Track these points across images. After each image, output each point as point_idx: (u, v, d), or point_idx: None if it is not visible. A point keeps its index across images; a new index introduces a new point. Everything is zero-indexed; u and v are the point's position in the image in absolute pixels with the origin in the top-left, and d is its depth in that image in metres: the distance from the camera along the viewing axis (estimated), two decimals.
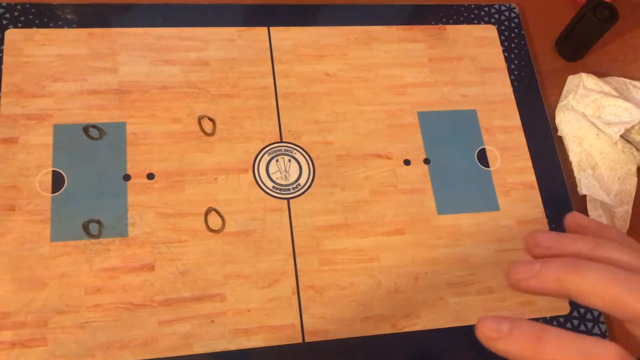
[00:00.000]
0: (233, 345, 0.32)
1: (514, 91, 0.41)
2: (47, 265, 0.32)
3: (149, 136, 0.36)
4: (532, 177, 0.39)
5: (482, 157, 0.39)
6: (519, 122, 0.40)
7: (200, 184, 0.35)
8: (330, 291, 0.34)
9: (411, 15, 0.43)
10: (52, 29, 0.37)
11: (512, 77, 0.42)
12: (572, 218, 0.30)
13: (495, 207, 0.37)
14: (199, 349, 0.31)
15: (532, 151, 0.39)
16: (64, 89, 0.36)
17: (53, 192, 0.34)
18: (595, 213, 0.39)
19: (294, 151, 0.37)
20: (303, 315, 0.33)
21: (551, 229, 0.37)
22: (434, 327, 0.34)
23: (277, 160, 0.36)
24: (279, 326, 0.33)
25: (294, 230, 0.35)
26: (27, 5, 0.38)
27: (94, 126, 0.35)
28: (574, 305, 0.35)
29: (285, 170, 0.36)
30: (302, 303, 0.33)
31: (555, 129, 0.41)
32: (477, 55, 0.42)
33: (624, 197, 0.38)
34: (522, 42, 0.43)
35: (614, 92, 0.40)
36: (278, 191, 0.36)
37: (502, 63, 0.42)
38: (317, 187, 0.36)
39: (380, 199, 0.37)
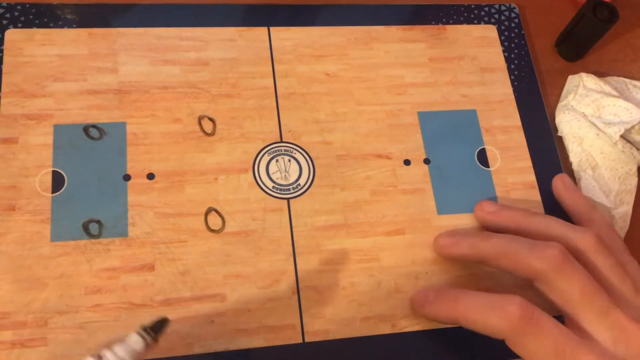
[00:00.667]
0: (233, 346, 0.32)
1: (514, 91, 0.41)
2: (47, 265, 0.32)
3: (149, 136, 0.36)
4: (532, 177, 0.39)
5: (482, 157, 0.39)
6: (519, 122, 0.40)
7: (200, 184, 0.35)
8: (330, 291, 0.34)
9: (411, 15, 0.43)
10: (52, 29, 0.37)
11: (512, 77, 0.42)
12: (560, 178, 0.37)
13: None
14: (199, 349, 0.31)
15: (532, 151, 0.39)
16: (64, 89, 0.36)
17: (53, 192, 0.34)
18: None
19: (294, 151, 0.37)
20: (303, 315, 0.33)
21: None
22: (434, 327, 0.34)
23: (277, 160, 0.36)
24: (279, 326, 0.33)
25: (294, 230, 0.35)
26: (27, 5, 0.38)
27: (94, 126, 0.36)
28: None
29: (285, 170, 0.36)
30: (302, 303, 0.33)
31: (556, 129, 0.41)
32: (477, 55, 0.42)
33: (624, 197, 0.38)
34: (522, 42, 0.43)
35: (614, 92, 0.41)
36: (278, 191, 0.36)
37: (502, 63, 0.42)
38: (317, 187, 0.36)
39: (380, 199, 0.37)
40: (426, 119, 0.39)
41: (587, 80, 0.41)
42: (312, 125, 0.38)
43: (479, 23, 0.43)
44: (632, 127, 0.38)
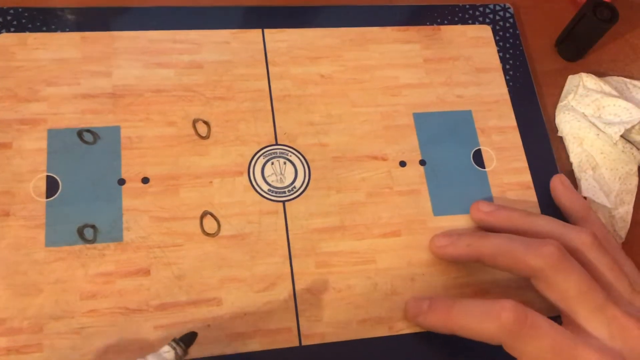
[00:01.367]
0: (229, 350, 0.32)
1: (509, 91, 0.41)
2: (42, 271, 0.32)
3: (143, 140, 0.36)
4: (527, 177, 0.39)
5: (478, 157, 0.39)
6: (514, 123, 0.40)
7: (195, 188, 0.35)
8: (327, 294, 0.34)
9: (406, 16, 0.42)
10: (45, 33, 0.37)
11: (507, 77, 0.42)
12: (558, 178, 0.37)
13: None
14: (195, 353, 0.31)
15: (528, 151, 0.39)
16: (58, 93, 0.36)
17: (47, 197, 0.33)
18: None
19: (289, 154, 0.37)
20: (299, 319, 0.33)
21: None
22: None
23: (272, 163, 0.36)
24: (276, 330, 0.33)
25: (289, 233, 0.35)
26: (20, 9, 0.38)
27: (88, 130, 0.35)
28: None
29: (281, 172, 0.36)
30: (298, 306, 0.33)
31: (554, 129, 0.41)
32: (472, 56, 0.42)
33: (624, 197, 0.38)
34: (517, 42, 0.43)
35: (614, 92, 0.41)
36: (274, 194, 0.36)
37: (497, 63, 0.42)
38: (313, 189, 0.36)
39: (376, 200, 0.37)
40: (421, 120, 0.39)
41: (587, 80, 0.41)
42: (307, 128, 0.38)
43: (473, 23, 0.43)
44: (633, 127, 0.38)
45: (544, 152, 0.40)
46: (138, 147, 0.35)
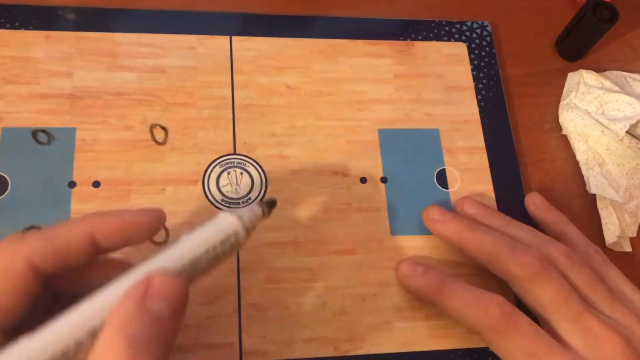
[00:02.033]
0: None
1: (480, 111, 0.40)
2: None
3: (98, 143, 0.35)
4: (492, 200, 0.38)
5: (442, 178, 0.38)
6: (482, 144, 0.39)
7: (146, 194, 0.34)
8: (273, 310, 0.33)
9: (380, 30, 0.42)
10: (7, 30, 0.37)
11: (479, 97, 0.41)
12: (530, 197, 0.38)
13: None
14: None
15: (494, 173, 0.38)
16: (16, 92, 0.36)
17: None
18: (605, 211, 0.38)
19: (247, 164, 0.36)
20: (242, 335, 0.32)
21: None
22: (378, 352, 0.33)
23: (228, 173, 0.36)
24: (217, 344, 0.32)
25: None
26: None
27: (43, 131, 0.35)
28: None
29: (237, 183, 0.36)
30: (242, 321, 0.32)
31: (524, 151, 0.40)
32: (445, 73, 0.41)
33: (633, 191, 0.38)
34: (493, 62, 0.42)
35: (615, 87, 0.40)
36: (227, 205, 0.35)
37: (469, 82, 0.41)
38: None
39: (333, 216, 0.36)
40: (387, 136, 0.38)
41: (587, 77, 0.41)
42: (268, 138, 0.37)
43: (449, 40, 0.42)
44: (638, 122, 0.38)
45: (511, 175, 0.39)
46: (92, 149, 0.35)
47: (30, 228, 0.33)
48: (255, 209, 0.27)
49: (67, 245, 0.23)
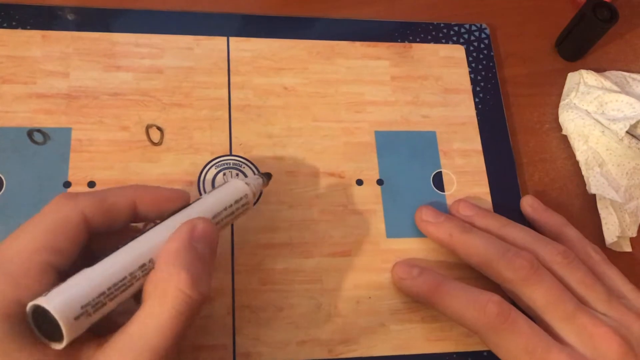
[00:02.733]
0: None
1: (478, 114, 0.40)
2: None
3: (94, 143, 0.35)
4: (488, 204, 0.38)
5: (438, 180, 0.38)
6: (479, 146, 0.39)
7: None
8: (267, 312, 0.33)
9: (378, 31, 0.42)
10: (4, 29, 0.37)
11: (477, 100, 0.41)
12: (526, 200, 0.37)
13: None
14: None
15: (491, 177, 0.38)
16: (12, 91, 0.36)
17: None
18: (605, 211, 0.38)
19: (243, 165, 0.36)
20: (236, 336, 0.32)
21: None
22: (372, 355, 0.33)
23: (224, 174, 0.36)
24: (210, 346, 0.32)
25: (235, 247, 0.34)
26: None
27: (38, 130, 0.35)
28: None
29: None
30: (236, 323, 0.32)
31: (520, 154, 0.40)
32: (443, 76, 0.41)
33: (633, 191, 0.38)
34: (491, 64, 0.42)
35: (615, 87, 0.40)
36: None
37: (467, 84, 0.41)
38: (264, 203, 0.35)
39: (328, 218, 0.36)
40: (383, 138, 0.38)
41: (587, 77, 0.41)
42: (265, 140, 0.37)
43: (447, 42, 0.42)
44: (638, 122, 0.38)
45: (508, 178, 0.39)
46: (88, 150, 0.35)
47: None
48: (258, 178, 0.32)
49: (115, 207, 0.26)
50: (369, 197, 0.37)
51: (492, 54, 0.43)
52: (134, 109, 0.36)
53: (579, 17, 0.42)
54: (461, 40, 0.42)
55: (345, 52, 0.40)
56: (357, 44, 0.41)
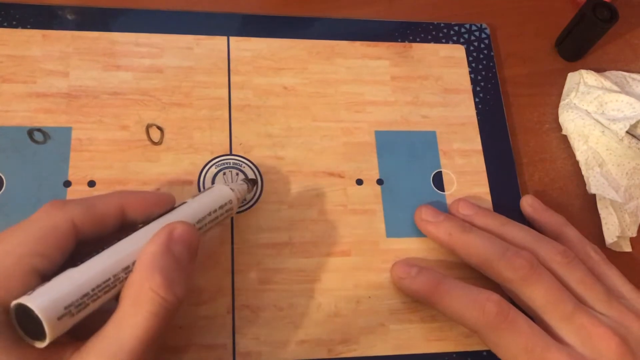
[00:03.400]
0: None
1: (478, 114, 0.40)
2: None
3: (94, 142, 0.35)
4: (488, 203, 0.38)
5: (438, 180, 0.38)
6: (479, 146, 0.39)
7: None
8: (267, 311, 0.33)
9: (378, 31, 0.42)
10: (4, 28, 0.37)
11: (477, 100, 0.41)
12: (525, 200, 0.37)
13: None
14: None
15: (491, 177, 0.38)
16: (12, 91, 0.36)
17: None
18: (605, 211, 0.38)
19: (243, 165, 0.36)
20: (236, 336, 0.32)
21: None
22: (372, 355, 0.33)
23: (224, 174, 0.36)
24: (210, 345, 0.32)
25: (235, 246, 0.34)
26: None
27: (39, 130, 0.35)
28: None
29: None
30: (236, 322, 0.32)
31: (520, 154, 0.40)
32: (443, 76, 0.41)
33: (633, 191, 0.38)
34: (491, 64, 0.42)
35: (614, 87, 0.40)
36: None
37: (467, 84, 0.41)
38: (264, 203, 0.35)
39: (328, 218, 0.36)
40: (383, 138, 0.38)
41: (587, 77, 0.41)
42: (265, 139, 0.37)
43: (447, 42, 0.42)
44: (638, 122, 0.38)
45: (508, 178, 0.39)
46: (88, 149, 0.35)
47: None
48: (243, 184, 0.33)
49: (103, 213, 0.26)
50: (369, 197, 0.37)
51: (492, 54, 0.43)
52: (133, 109, 0.36)
53: (579, 17, 0.42)
54: (461, 40, 0.42)
55: (345, 52, 0.40)
56: (357, 43, 0.41)
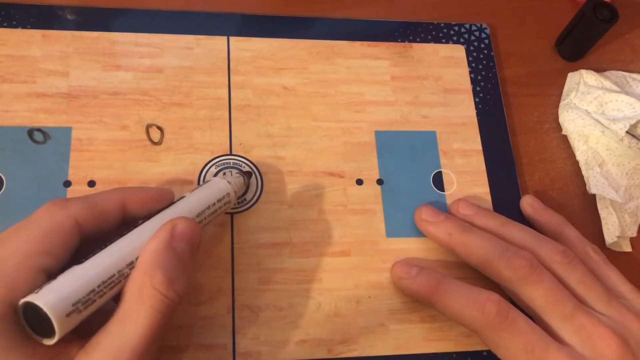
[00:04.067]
0: None
1: (478, 114, 0.40)
2: None
3: (94, 142, 0.35)
4: (488, 203, 0.38)
5: (438, 180, 0.38)
6: (479, 146, 0.39)
7: None
8: (267, 311, 0.33)
9: (378, 31, 0.42)
10: (5, 28, 0.37)
11: (477, 100, 0.41)
12: (525, 200, 0.37)
13: None
14: None
15: (491, 177, 0.38)
16: (12, 90, 0.36)
17: None
18: (605, 211, 0.38)
19: (243, 165, 0.36)
20: (236, 336, 0.32)
21: None
22: (372, 355, 0.33)
23: (224, 174, 0.36)
24: (210, 345, 0.32)
25: (235, 246, 0.34)
26: None
27: (39, 130, 0.35)
28: None
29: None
30: (236, 322, 0.32)
31: (520, 154, 0.40)
32: (443, 76, 0.41)
33: (633, 191, 0.38)
34: (491, 64, 0.42)
35: (615, 87, 0.41)
36: None
37: (467, 84, 0.41)
38: (264, 203, 0.35)
39: (328, 218, 0.36)
40: (383, 138, 0.38)
41: (587, 77, 0.41)
42: (265, 139, 0.37)
43: (447, 42, 0.42)
44: (638, 122, 0.38)
45: (508, 178, 0.39)
46: (88, 149, 0.35)
47: None
48: (239, 177, 0.33)
49: (105, 210, 0.27)
50: (369, 197, 0.37)
51: (492, 53, 0.43)
52: (133, 109, 0.36)
53: (579, 17, 0.42)
54: (461, 40, 0.42)
55: (345, 52, 0.40)
56: (357, 43, 0.41)
